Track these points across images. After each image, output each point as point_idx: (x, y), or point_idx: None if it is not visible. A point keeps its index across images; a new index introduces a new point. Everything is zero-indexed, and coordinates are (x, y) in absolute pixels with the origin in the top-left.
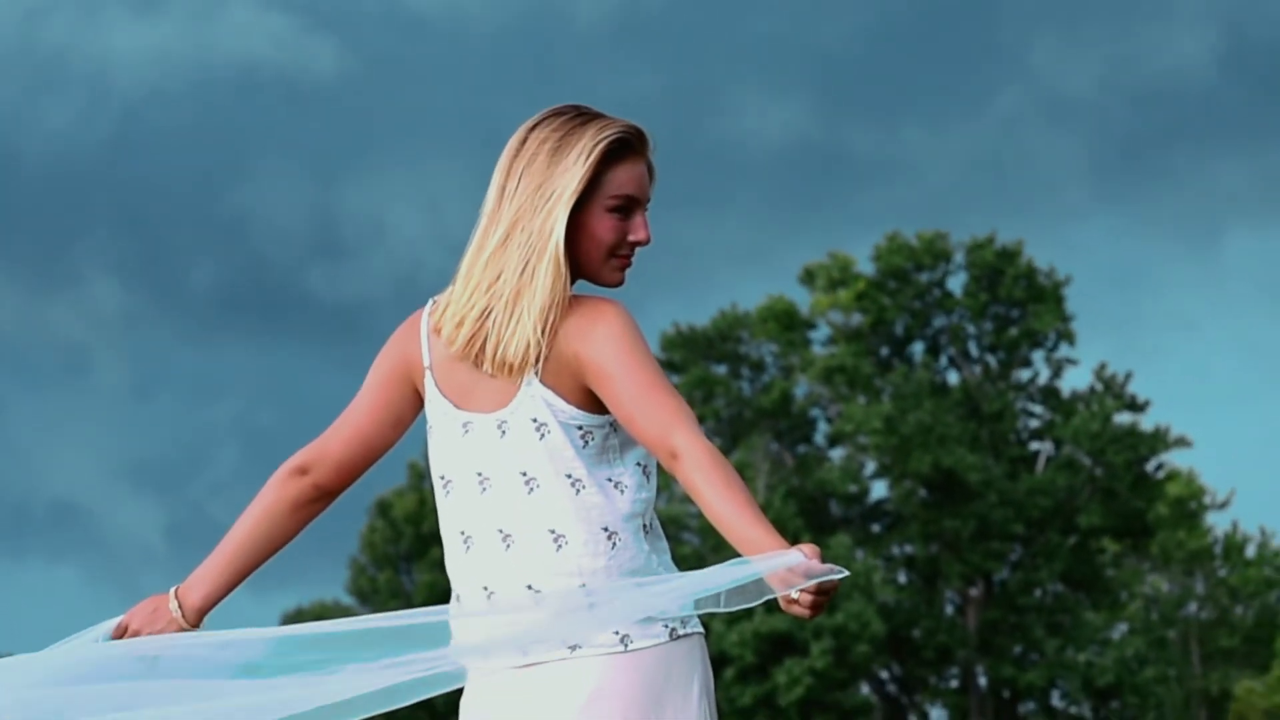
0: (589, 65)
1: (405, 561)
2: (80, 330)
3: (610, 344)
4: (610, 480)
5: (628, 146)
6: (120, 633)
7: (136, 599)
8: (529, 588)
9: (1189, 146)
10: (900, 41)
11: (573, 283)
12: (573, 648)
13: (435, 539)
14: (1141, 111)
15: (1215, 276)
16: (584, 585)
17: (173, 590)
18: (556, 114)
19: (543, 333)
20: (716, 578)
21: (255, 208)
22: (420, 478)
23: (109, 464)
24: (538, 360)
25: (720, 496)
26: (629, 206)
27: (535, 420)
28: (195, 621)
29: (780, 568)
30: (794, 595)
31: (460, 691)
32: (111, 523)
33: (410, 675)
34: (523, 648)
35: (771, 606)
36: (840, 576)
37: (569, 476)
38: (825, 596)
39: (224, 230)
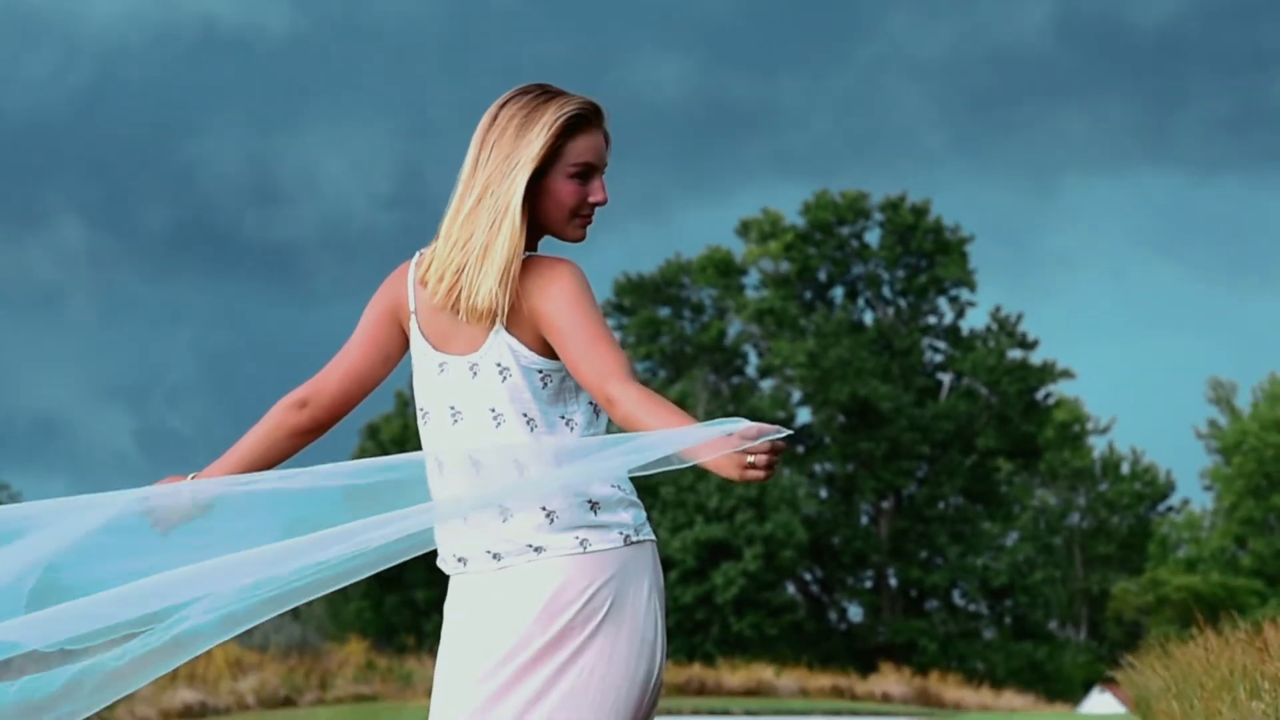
0: (507, 33)
1: None
2: (52, 268)
3: (563, 300)
4: (563, 418)
5: (585, 120)
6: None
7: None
8: (499, 506)
9: (1032, 103)
10: (776, 9)
11: (540, 239)
12: (538, 549)
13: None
14: (989, 72)
15: (1062, 221)
16: (544, 505)
17: (189, 476)
18: (524, 92)
19: (504, 285)
20: (670, 441)
21: (205, 157)
22: (405, 404)
23: (83, 382)
24: (503, 310)
25: (656, 419)
26: (588, 173)
27: (499, 364)
28: (202, 510)
29: (731, 432)
30: (751, 459)
31: (442, 594)
32: (88, 432)
33: (396, 535)
34: (494, 554)
35: (710, 517)
36: (785, 434)
37: (524, 415)
38: (777, 456)
39: (177, 177)
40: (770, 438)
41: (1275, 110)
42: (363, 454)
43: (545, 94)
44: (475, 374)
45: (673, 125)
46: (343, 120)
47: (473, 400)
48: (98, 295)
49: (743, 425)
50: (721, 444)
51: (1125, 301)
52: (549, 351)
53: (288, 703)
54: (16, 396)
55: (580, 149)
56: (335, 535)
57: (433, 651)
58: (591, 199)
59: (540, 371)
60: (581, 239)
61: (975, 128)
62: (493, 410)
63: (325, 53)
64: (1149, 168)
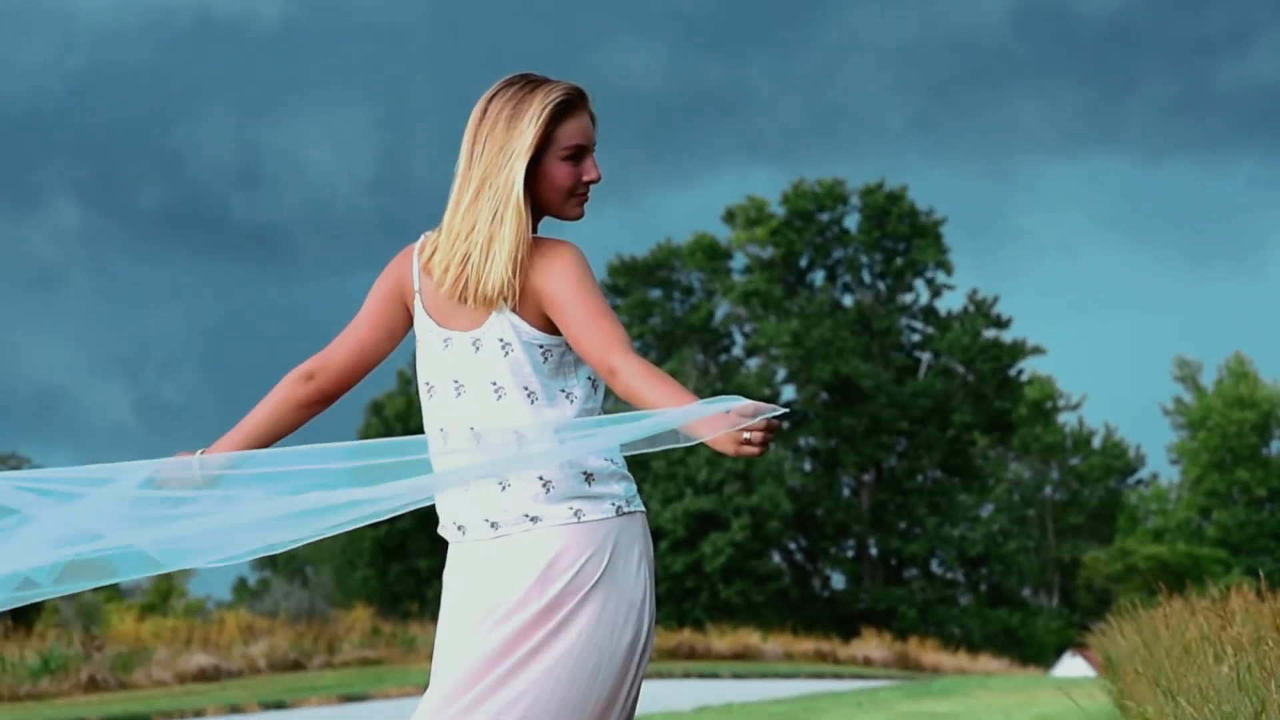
0: (484, 23)
1: None
2: (49, 248)
3: (564, 279)
4: (563, 391)
5: (571, 104)
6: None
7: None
8: (497, 480)
9: (988, 90)
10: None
11: (540, 221)
12: (534, 519)
13: (419, 433)
14: (949, 60)
15: (1025, 203)
16: (540, 477)
17: (198, 452)
18: (509, 84)
19: (514, 270)
20: (672, 419)
21: (195, 140)
22: (407, 383)
23: (82, 357)
24: (514, 293)
25: (657, 391)
26: (579, 154)
27: (502, 340)
28: (211, 482)
29: (729, 408)
30: (747, 436)
31: (443, 563)
32: (88, 403)
33: (396, 503)
34: (493, 523)
35: (700, 490)
36: (782, 412)
37: (525, 389)
38: (771, 434)
39: (168, 160)
40: (767, 415)
41: (1219, 95)
42: (368, 429)
43: (530, 84)
44: (478, 349)
45: (645, 110)
46: (327, 107)
47: (475, 374)
48: (92, 273)
49: (740, 403)
50: (720, 421)
51: (1091, 282)
52: (549, 327)
53: (297, 666)
54: (19, 370)
55: (570, 132)
56: (343, 504)
57: (434, 617)
58: (585, 178)
59: (541, 346)
60: (580, 216)
61: (937, 113)
62: (494, 383)
63: (312, 41)
64: (1102, 151)
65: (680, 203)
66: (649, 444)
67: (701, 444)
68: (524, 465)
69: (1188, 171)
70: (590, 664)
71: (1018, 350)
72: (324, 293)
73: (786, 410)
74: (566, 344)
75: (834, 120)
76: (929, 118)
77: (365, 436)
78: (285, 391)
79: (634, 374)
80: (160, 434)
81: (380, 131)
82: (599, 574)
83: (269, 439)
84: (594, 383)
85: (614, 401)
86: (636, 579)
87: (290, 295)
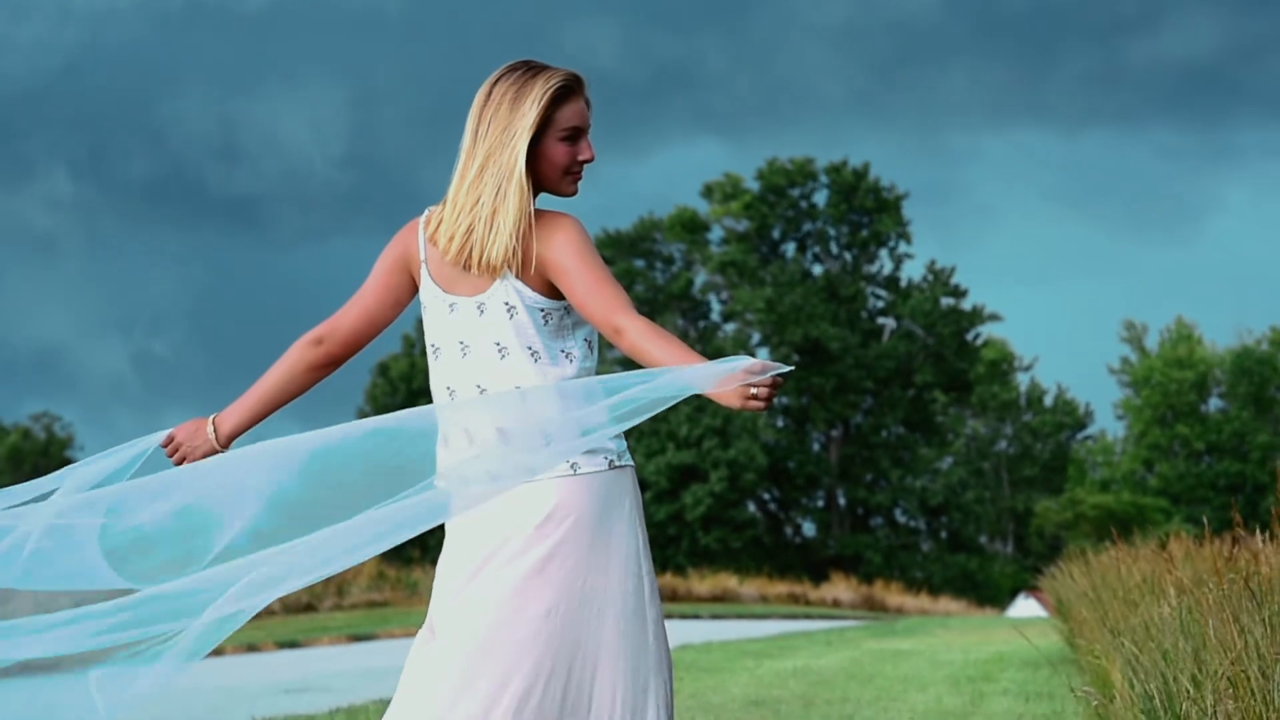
0: (454, 14)
1: None
2: (45, 217)
3: (568, 247)
4: (563, 351)
5: (569, 90)
6: (168, 441)
7: (109, 423)
8: (499, 430)
9: (923, 66)
10: None
11: (536, 197)
12: (533, 470)
13: (423, 394)
14: (885, 38)
15: (977, 176)
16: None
17: (211, 417)
18: (512, 69)
19: (518, 239)
20: (689, 381)
21: (180, 116)
22: (411, 346)
23: (80, 318)
24: (518, 261)
25: (661, 349)
26: (575, 135)
27: (506, 304)
28: (225, 444)
29: (738, 368)
30: (753, 391)
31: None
32: (88, 361)
33: (404, 513)
34: (493, 475)
35: (681, 444)
36: (788, 370)
37: (529, 348)
38: (775, 390)
39: (155, 134)
40: (773, 373)
41: (1133, 70)
42: (374, 389)
43: (531, 70)
44: (483, 312)
45: (604, 86)
46: (303, 86)
47: (481, 335)
48: (86, 240)
49: (748, 361)
50: (729, 379)
51: (1036, 252)
52: (550, 292)
53: (309, 608)
54: (22, 332)
55: (568, 115)
56: (356, 532)
57: (435, 563)
58: (581, 157)
59: (542, 310)
60: (574, 193)
61: (877, 89)
62: (498, 344)
63: (291, 23)
64: (1029, 124)
65: (637, 175)
66: (668, 403)
67: (683, 401)
68: (528, 422)
69: (1106, 143)
70: (612, 611)
71: (976, 316)
72: (298, 259)
73: (791, 369)
74: (565, 307)
75: (781, 95)
76: (869, 93)
77: (372, 394)
78: (296, 355)
79: (640, 333)
80: (156, 389)
81: (351, 110)
82: (595, 525)
83: (281, 401)
84: (590, 344)
85: (605, 365)
86: (629, 528)
87: (267, 261)
